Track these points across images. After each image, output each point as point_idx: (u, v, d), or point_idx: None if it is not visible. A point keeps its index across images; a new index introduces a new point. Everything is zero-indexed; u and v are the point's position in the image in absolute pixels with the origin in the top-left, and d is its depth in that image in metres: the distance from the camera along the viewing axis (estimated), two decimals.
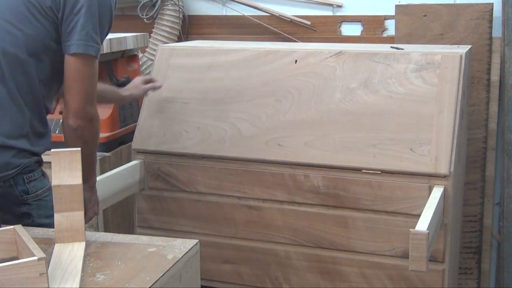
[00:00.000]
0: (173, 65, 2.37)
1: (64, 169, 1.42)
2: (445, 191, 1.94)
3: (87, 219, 1.83)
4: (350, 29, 2.95)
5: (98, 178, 2.04)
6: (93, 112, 1.68)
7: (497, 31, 2.73)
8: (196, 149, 2.22)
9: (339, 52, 2.18)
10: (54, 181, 1.41)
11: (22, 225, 1.39)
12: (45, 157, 1.78)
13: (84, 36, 1.61)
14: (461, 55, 2.07)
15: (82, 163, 1.48)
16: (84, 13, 1.61)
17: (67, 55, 1.63)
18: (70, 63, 1.63)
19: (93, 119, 1.69)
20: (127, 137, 2.58)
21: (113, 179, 2.09)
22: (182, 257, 1.36)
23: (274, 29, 3.00)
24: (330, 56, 2.18)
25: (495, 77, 2.74)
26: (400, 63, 2.11)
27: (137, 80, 2.27)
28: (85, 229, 1.45)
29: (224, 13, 3.11)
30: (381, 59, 2.13)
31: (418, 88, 2.05)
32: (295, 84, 2.19)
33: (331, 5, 2.96)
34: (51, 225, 1.63)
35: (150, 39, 3.04)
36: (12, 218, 1.60)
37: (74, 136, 1.68)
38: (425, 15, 2.76)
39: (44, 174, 1.73)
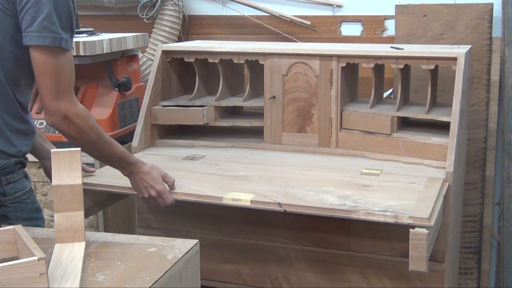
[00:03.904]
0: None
1: (64, 169, 1.42)
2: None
3: (148, 198, 1.85)
4: (350, 29, 2.95)
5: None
6: (65, 108, 1.58)
7: (497, 31, 2.73)
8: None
9: None
10: (54, 181, 1.41)
11: None
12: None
13: (36, 27, 1.53)
14: (461, 55, 2.06)
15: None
16: (34, 3, 1.53)
17: (29, 48, 1.55)
18: (32, 56, 1.56)
19: (68, 116, 1.58)
20: (127, 137, 2.58)
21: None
22: (182, 257, 1.37)
23: (274, 29, 3.00)
24: None
25: (495, 77, 2.74)
26: None
27: None
28: (85, 229, 1.45)
29: (224, 13, 3.11)
30: None
31: None
32: None
33: (331, 5, 2.96)
34: None
35: (150, 39, 3.04)
36: None
37: (60, 132, 1.64)
38: (425, 15, 2.76)
39: (26, 176, 1.70)
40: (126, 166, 1.81)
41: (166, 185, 1.86)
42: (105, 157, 1.77)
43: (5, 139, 1.61)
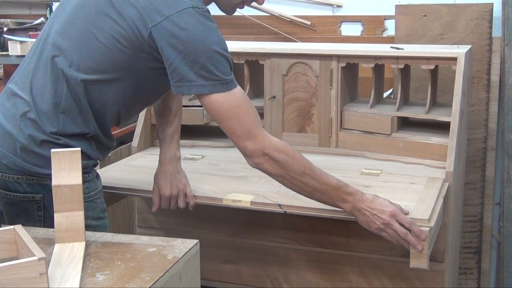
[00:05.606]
0: None
1: (64, 169, 1.41)
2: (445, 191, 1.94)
3: (385, 228, 1.61)
4: (350, 29, 2.96)
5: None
6: (260, 145, 1.55)
7: (497, 31, 2.73)
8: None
9: None
10: (54, 181, 1.40)
11: None
12: None
13: (180, 80, 1.52)
14: (461, 55, 2.07)
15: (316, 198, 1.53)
16: (172, 61, 1.52)
17: (198, 97, 1.56)
18: (204, 106, 1.56)
19: (266, 152, 1.56)
20: (127, 137, 2.58)
21: None
22: (182, 257, 1.36)
23: (274, 29, 3.00)
24: None
25: (495, 77, 2.74)
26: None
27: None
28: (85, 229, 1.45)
29: (223, 13, 3.10)
30: None
31: None
32: None
33: (331, 5, 2.96)
34: (98, 228, 1.64)
35: None
36: None
37: (267, 174, 1.60)
38: (425, 15, 2.76)
39: (97, 176, 1.73)
40: (347, 197, 1.61)
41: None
42: (318, 190, 1.61)
43: (90, 145, 1.66)
